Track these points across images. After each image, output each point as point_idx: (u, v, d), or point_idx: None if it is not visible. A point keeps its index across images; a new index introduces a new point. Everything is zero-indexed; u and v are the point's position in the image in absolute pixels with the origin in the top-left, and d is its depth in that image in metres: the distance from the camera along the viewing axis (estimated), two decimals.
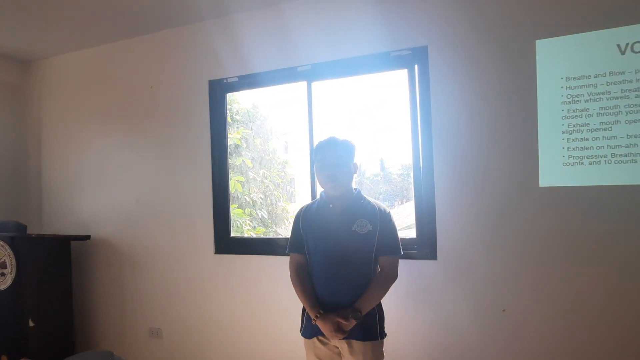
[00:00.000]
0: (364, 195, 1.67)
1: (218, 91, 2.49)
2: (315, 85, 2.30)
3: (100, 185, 2.81)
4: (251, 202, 3.75)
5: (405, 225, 2.61)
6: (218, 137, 2.49)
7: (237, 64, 2.40)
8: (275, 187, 3.98)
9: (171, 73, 2.58)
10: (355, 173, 1.66)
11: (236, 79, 2.44)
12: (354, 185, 1.70)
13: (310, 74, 2.27)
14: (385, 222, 1.60)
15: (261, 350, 2.32)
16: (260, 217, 3.77)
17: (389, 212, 1.64)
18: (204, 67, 2.49)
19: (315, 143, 1.73)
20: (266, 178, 3.92)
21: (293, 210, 4.21)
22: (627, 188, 1.76)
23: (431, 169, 2.03)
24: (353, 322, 1.50)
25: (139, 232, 2.68)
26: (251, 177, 3.77)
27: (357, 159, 1.69)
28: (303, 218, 1.69)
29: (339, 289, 1.56)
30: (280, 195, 4.03)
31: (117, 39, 2.69)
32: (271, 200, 3.93)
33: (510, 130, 1.90)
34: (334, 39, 2.20)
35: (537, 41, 1.89)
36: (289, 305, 2.17)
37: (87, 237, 2.73)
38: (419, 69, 2.08)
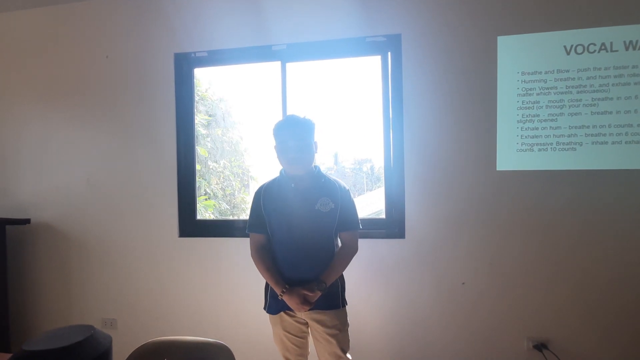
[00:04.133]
0: (324, 173, 1.67)
1: (185, 65, 2.36)
2: (287, 66, 2.26)
3: (43, 165, 2.52)
4: (212, 194, 3.62)
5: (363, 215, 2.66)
6: (184, 114, 2.37)
7: (208, 38, 2.30)
8: (234, 177, 3.87)
9: (132, 42, 2.38)
10: (316, 152, 1.64)
11: (205, 54, 2.33)
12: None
13: (285, 54, 2.25)
14: (345, 199, 1.63)
15: (230, 336, 2.27)
16: (222, 208, 3.65)
17: (348, 189, 1.67)
18: (170, 38, 2.34)
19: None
20: (226, 168, 3.79)
21: (250, 201, 4.10)
22: (569, 172, 2.00)
23: (402, 153, 2.13)
24: (318, 294, 1.54)
25: (90, 215, 2.46)
26: (210, 166, 3.63)
27: (316, 138, 1.64)
28: (264, 197, 1.65)
29: (303, 266, 1.57)
30: (239, 186, 3.94)
31: (69, 1, 2.43)
32: (231, 190, 3.82)
33: (474, 118, 2.06)
34: (311, 20, 2.20)
35: (498, 37, 2.06)
36: (260, 286, 2.15)
37: (27, 221, 2.44)
38: (392, 56, 2.16)
